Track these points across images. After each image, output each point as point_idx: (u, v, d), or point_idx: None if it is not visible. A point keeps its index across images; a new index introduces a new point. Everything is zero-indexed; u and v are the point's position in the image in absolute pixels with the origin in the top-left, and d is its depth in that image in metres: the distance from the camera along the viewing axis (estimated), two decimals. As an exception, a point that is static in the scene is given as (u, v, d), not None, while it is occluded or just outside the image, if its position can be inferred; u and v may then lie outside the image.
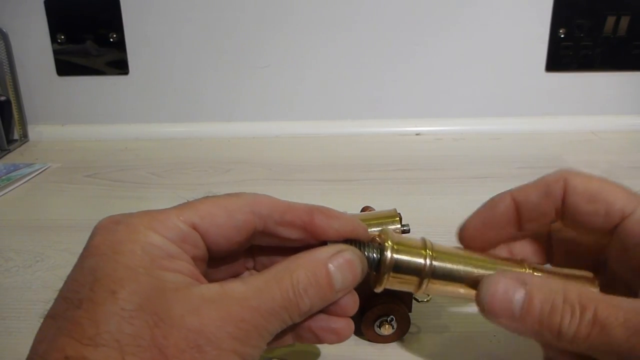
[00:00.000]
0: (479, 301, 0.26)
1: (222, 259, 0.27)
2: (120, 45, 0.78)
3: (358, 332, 0.36)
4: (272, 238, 0.27)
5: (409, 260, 0.27)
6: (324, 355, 0.34)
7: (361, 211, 0.40)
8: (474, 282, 0.27)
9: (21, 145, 0.80)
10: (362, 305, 0.35)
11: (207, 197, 0.26)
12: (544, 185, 0.29)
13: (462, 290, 0.28)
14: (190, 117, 0.81)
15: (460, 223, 0.31)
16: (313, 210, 0.26)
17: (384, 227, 0.29)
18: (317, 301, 0.25)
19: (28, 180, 0.66)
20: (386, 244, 0.27)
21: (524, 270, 0.28)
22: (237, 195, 0.26)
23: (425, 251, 0.28)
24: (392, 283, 0.28)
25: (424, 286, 0.28)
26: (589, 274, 0.29)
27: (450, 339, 0.35)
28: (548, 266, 0.31)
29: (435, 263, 0.27)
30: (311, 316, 0.26)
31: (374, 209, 0.39)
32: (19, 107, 0.80)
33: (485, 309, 0.25)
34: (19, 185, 0.64)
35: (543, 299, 0.24)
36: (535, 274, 0.28)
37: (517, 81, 0.78)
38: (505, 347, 0.34)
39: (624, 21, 0.74)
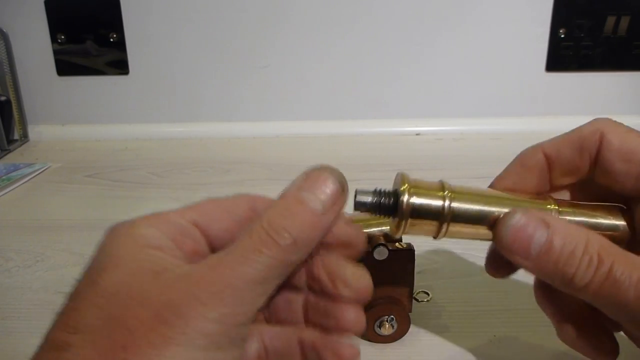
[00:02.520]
0: (497, 234, 0.25)
1: None
2: (121, 45, 0.78)
3: (358, 332, 0.36)
4: None
5: (428, 204, 0.26)
6: (324, 355, 0.34)
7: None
8: (495, 222, 0.26)
9: (21, 145, 0.80)
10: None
11: (208, 199, 0.26)
12: (578, 138, 0.27)
13: (483, 231, 0.27)
14: (191, 117, 0.81)
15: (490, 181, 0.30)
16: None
17: (400, 173, 0.28)
18: (300, 229, 0.22)
19: (28, 180, 0.66)
20: (402, 188, 0.26)
21: (550, 206, 0.27)
22: (235, 195, 0.26)
23: (444, 192, 0.26)
24: (411, 228, 0.27)
25: (443, 230, 0.27)
26: (618, 205, 0.27)
27: (450, 339, 0.35)
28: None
29: (454, 205, 0.26)
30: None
31: (374, 209, 0.39)
32: (19, 107, 0.80)
33: (502, 243, 0.25)
34: (19, 185, 0.64)
35: (563, 245, 0.24)
36: (561, 211, 0.27)
37: (517, 81, 0.78)
38: (505, 347, 0.34)
39: (624, 21, 0.74)
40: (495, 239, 0.26)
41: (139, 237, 0.22)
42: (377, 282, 0.34)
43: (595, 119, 0.28)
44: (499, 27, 0.76)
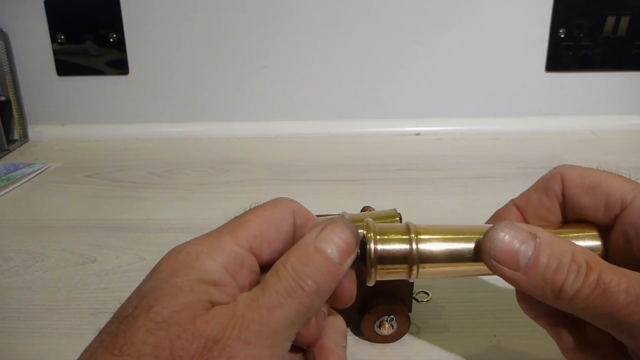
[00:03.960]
0: (483, 248, 0.25)
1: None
2: (120, 45, 0.78)
3: (358, 332, 0.36)
4: None
5: (394, 249, 0.26)
6: (324, 355, 0.34)
7: (361, 211, 0.39)
8: (469, 256, 0.26)
9: (21, 145, 0.80)
10: (362, 305, 0.35)
11: (252, 210, 0.26)
12: (541, 184, 0.29)
13: (460, 268, 0.27)
14: (190, 117, 0.81)
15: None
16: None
17: (366, 219, 0.28)
18: (322, 277, 0.23)
19: (28, 180, 0.66)
20: (368, 236, 0.27)
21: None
22: (278, 204, 0.26)
23: (409, 236, 0.26)
24: (382, 275, 0.27)
25: (414, 272, 0.27)
26: (593, 231, 0.28)
27: (450, 339, 0.35)
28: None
29: (422, 246, 0.26)
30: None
31: (374, 209, 0.39)
32: (19, 107, 0.80)
33: (489, 257, 0.25)
34: (19, 185, 0.64)
35: (551, 255, 0.24)
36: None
37: (517, 81, 0.78)
38: (505, 347, 0.34)
39: (624, 21, 0.74)
40: (482, 253, 0.26)
41: (201, 272, 0.23)
42: (376, 282, 0.34)
43: (555, 167, 0.29)
44: (498, 27, 0.76)
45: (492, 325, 0.36)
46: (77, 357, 0.22)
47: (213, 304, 0.22)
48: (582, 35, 0.75)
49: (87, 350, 0.22)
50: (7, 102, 0.78)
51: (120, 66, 0.79)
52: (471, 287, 0.41)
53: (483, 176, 0.62)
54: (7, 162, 0.73)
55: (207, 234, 0.25)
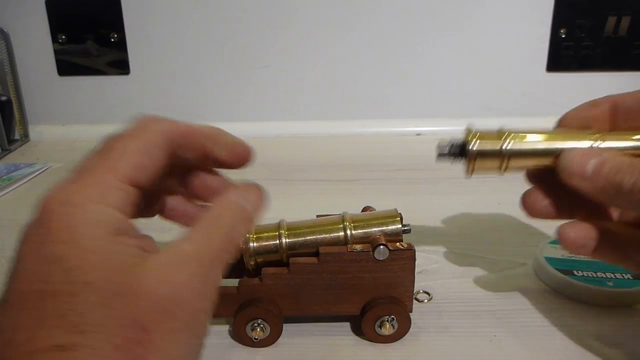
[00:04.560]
0: (559, 164, 0.31)
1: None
2: (121, 45, 0.78)
3: (358, 332, 0.36)
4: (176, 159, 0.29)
5: (489, 147, 0.33)
6: (324, 356, 0.34)
7: (362, 211, 0.40)
8: (548, 154, 0.32)
9: (22, 145, 0.80)
10: (362, 305, 0.35)
11: (123, 137, 0.26)
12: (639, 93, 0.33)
13: (541, 161, 0.33)
14: (191, 117, 0.79)
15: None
16: (210, 137, 0.30)
17: (468, 127, 0.35)
18: (244, 232, 0.29)
19: (29, 180, 0.66)
20: (468, 137, 0.33)
21: (592, 136, 0.32)
22: (147, 127, 0.27)
23: (502, 136, 0.33)
24: (478, 168, 0.34)
25: (504, 165, 0.33)
26: None
27: (450, 339, 0.35)
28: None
29: (513, 146, 0.33)
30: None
31: (374, 209, 0.39)
32: (20, 107, 0.80)
33: (563, 168, 0.30)
34: (20, 185, 0.64)
35: (612, 162, 0.29)
36: (604, 137, 0.32)
37: (518, 81, 0.78)
38: (505, 347, 0.34)
39: (625, 21, 0.74)
40: (558, 166, 0.31)
41: (106, 225, 0.23)
42: (377, 282, 0.34)
43: None
44: (499, 28, 0.76)
45: (492, 325, 0.36)
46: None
47: (138, 261, 0.23)
48: (583, 35, 0.75)
49: (19, 328, 0.21)
50: (8, 101, 0.78)
51: (121, 66, 0.79)
52: (471, 287, 0.41)
53: (483, 176, 0.62)
54: (8, 162, 0.73)
55: (84, 169, 0.25)
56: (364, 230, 0.35)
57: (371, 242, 0.34)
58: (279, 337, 0.35)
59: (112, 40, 0.78)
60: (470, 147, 0.33)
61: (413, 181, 0.62)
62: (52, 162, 0.71)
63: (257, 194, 0.29)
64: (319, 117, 0.80)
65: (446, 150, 0.35)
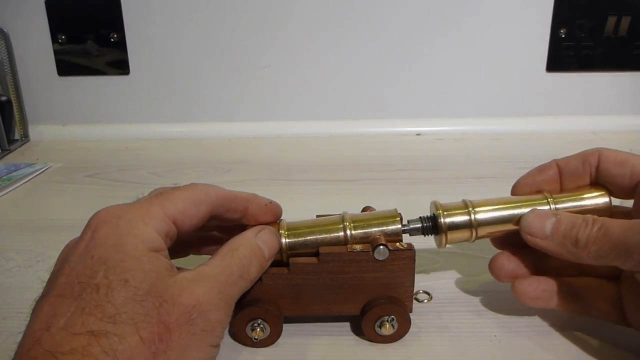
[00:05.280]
0: (520, 227, 0.34)
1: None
2: (121, 45, 0.78)
3: (358, 332, 0.36)
4: (216, 220, 0.33)
5: (459, 220, 0.35)
6: (324, 356, 0.34)
7: (362, 211, 0.39)
8: (510, 220, 0.35)
9: (22, 145, 0.80)
10: (362, 306, 0.35)
11: (176, 189, 0.31)
12: (582, 155, 0.36)
13: (505, 227, 0.35)
14: (191, 117, 0.81)
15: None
16: (249, 200, 0.34)
17: (433, 201, 0.37)
18: (259, 268, 0.32)
19: (29, 180, 0.66)
20: (437, 212, 0.36)
21: (546, 199, 0.36)
22: (198, 187, 0.32)
23: (468, 209, 0.35)
24: (451, 240, 0.36)
25: (474, 235, 0.35)
26: (602, 190, 0.36)
27: (450, 339, 0.35)
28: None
29: (478, 216, 0.35)
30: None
31: (374, 209, 0.39)
32: (20, 107, 0.80)
33: (525, 231, 0.34)
34: (20, 185, 0.64)
35: (567, 222, 0.32)
36: (555, 198, 0.35)
37: (518, 81, 0.78)
38: (506, 348, 0.34)
39: (625, 21, 0.74)
40: (520, 230, 0.34)
41: (145, 241, 0.27)
42: (377, 282, 0.34)
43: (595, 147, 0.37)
44: (499, 28, 0.76)
45: (492, 325, 0.36)
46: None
47: (171, 273, 0.27)
48: (583, 35, 0.75)
49: (60, 314, 0.24)
50: (8, 102, 0.78)
51: (121, 66, 0.79)
52: (471, 287, 0.41)
53: (484, 176, 0.62)
54: (8, 162, 0.73)
55: (137, 202, 0.30)
56: (364, 231, 0.35)
57: (371, 242, 0.34)
58: (279, 337, 0.35)
59: (112, 40, 0.78)
60: (441, 222, 0.35)
61: (413, 181, 0.62)
62: (52, 162, 0.71)
63: (271, 234, 0.33)
64: (319, 117, 0.80)
65: (419, 227, 0.36)
